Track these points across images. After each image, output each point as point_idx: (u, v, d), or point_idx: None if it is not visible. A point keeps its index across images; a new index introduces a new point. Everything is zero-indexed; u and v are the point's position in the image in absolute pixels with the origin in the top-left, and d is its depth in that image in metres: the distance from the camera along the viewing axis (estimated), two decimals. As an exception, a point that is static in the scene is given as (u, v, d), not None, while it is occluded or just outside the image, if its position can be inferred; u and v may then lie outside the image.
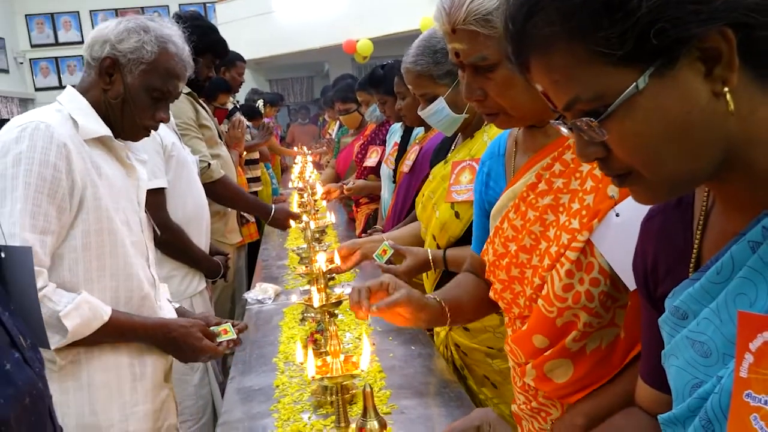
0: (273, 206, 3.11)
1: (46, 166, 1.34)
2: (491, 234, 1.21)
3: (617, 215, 0.98)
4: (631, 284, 0.97)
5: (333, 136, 5.50)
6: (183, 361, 1.63)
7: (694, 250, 0.69)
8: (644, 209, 0.93)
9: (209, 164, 2.74)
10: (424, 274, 1.91)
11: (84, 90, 1.52)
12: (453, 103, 1.75)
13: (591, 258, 1.01)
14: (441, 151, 2.05)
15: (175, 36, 1.56)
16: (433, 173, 1.92)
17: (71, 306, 1.35)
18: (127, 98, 1.50)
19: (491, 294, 1.22)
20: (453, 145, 1.97)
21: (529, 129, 1.18)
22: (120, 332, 1.47)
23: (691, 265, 0.69)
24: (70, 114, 1.45)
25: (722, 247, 0.64)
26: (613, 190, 1.00)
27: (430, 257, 1.78)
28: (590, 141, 0.63)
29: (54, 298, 1.34)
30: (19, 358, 0.57)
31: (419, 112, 1.86)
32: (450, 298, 1.28)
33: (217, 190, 2.77)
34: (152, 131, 1.58)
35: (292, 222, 2.82)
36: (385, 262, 1.86)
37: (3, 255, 0.64)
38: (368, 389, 1.02)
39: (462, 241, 1.76)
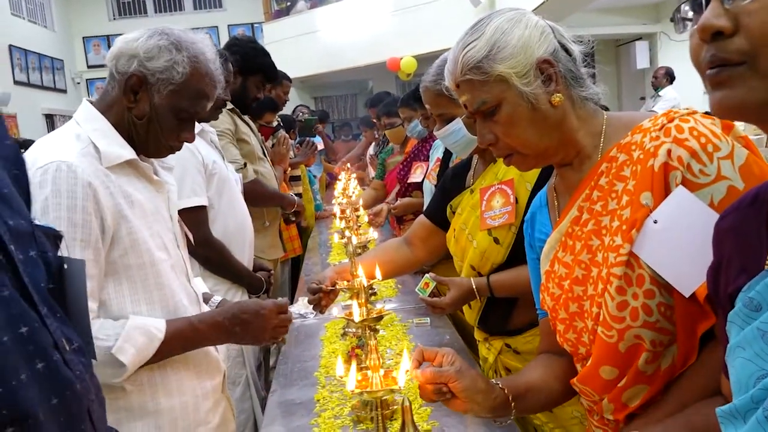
0: (293, 195, 3.34)
1: (75, 210, 1.27)
2: (543, 280, 1.19)
3: (655, 222, 0.96)
4: (685, 290, 0.94)
5: (374, 154, 5.52)
6: (257, 343, 1.59)
7: None
8: (683, 212, 0.93)
9: (245, 164, 2.83)
10: (467, 305, 1.89)
11: (106, 106, 1.43)
12: (469, 124, 1.74)
13: (639, 270, 0.97)
14: (456, 179, 2.01)
15: (208, 52, 1.47)
16: (462, 206, 1.88)
17: (121, 340, 1.29)
18: (153, 118, 1.41)
19: (558, 339, 1.16)
20: (471, 172, 1.96)
21: (560, 169, 1.20)
22: (185, 338, 1.42)
23: None
24: (90, 137, 1.37)
25: None
26: (646, 198, 0.98)
27: (474, 286, 1.78)
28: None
29: (100, 335, 1.28)
30: (58, 360, 0.59)
31: (435, 132, 1.86)
32: (521, 384, 1.17)
33: (251, 188, 2.82)
34: (195, 151, 1.57)
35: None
36: (429, 295, 1.86)
37: (66, 266, 0.67)
38: (407, 403, 1.01)
39: (504, 266, 1.74)
